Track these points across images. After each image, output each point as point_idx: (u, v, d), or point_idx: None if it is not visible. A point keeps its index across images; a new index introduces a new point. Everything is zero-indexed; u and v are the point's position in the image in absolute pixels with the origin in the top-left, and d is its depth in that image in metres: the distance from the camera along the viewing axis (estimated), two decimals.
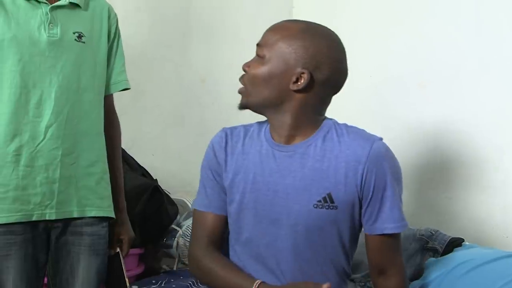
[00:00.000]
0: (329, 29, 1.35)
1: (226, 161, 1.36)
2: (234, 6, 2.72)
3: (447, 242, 1.79)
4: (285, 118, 1.28)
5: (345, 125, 1.33)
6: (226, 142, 1.37)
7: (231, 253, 1.37)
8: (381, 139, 1.29)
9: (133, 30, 1.83)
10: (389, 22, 2.35)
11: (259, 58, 1.29)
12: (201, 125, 2.57)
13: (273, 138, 1.32)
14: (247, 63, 1.32)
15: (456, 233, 1.87)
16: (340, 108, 2.49)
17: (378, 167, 1.24)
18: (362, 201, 1.26)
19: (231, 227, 1.36)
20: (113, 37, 1.70)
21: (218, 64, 2.61)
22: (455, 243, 1.77)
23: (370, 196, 1.25)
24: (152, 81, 2.43)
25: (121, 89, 1.73)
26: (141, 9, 2.41)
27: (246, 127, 1.39)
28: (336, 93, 1.35)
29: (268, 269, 1.30)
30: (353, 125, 1.34)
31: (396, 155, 1.28)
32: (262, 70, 1.27)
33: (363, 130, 1.32)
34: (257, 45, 1.32)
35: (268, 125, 1.35)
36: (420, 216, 2.10)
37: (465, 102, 2.09)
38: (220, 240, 1.38)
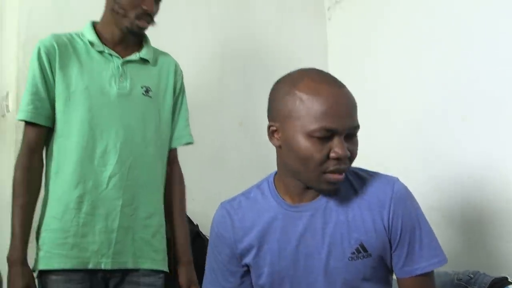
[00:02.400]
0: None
1: (237, 241, 1.27)
2: (269, 47, 2.75)
3: (488, 284, 1.67)
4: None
5: (357, 170, 1.27)
6: (232, 220, 1.29)
7: None
8: (398, 179, 1.25)
9: None
10: (429, 55, 2.31)
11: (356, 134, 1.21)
12: (241, 168, 2.56)
13: (284, 200, 1.25)
14: (346, 147, 1.16)
15: (502, 272, 1.76)
16: (379, 145, 2.46)
17: (403, 209, 1.20)
18: (391, 244, 1.22)
19: None
20: (179, 93, 1.77)
21: (255, 107, 2.61)
22: (498, 285, 1.65)
23: (398, 239, 1.20)
24: (191, 125, 2.45)
25: (184, 143, 1.76)
26: (177, 55, 2.44)
27: (246, 195, 1.32)
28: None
29: None
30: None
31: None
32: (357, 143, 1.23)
33: (377, 173, 1.27)
34: (355, 127, 1.18)
35: (270, 185, 1.28)
36: (462, 257, 2.01)
37: None
38: None
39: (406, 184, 1.25)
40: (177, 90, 1.77)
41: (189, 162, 2.44)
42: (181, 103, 1.79)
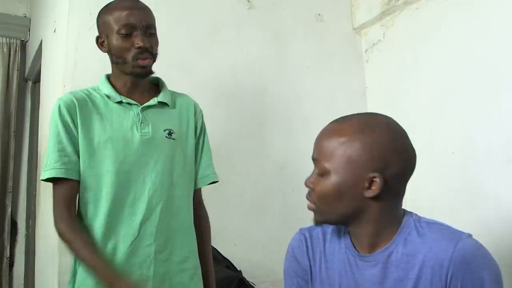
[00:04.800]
0: (384, 117, 1.23)
1: (310, 267, 1.29)
2: (308, 92, 2.77)
3: None
4: (366, 228, 1.19)
5: (427, 222, 1.20)
6: (307, 247, 1.30)
7: None
8: (469, 236, 1.13)
9: (211, 121, 1.89)
10: (469, 94, 2.27)
11: (322, 173, 1.17)
12: (283, 213, 2.54)
13: (354, 246, 1.23)
14: (309, 179, 1.21)
15: None
16: (422, 187, 2.41)
17: (466, 272, 1.08)
18: None
19: None
20: (200, 132, 1.76)
21: (295, 151, 2.62)
22: None
23: None
24: (232, 171, 2.46)
25: (209, 183, 1.76)
26: (218, 101, 2.49)
27: (324, 229, 1.31)
28: (409, 179, 1.22)
29: None
30: (437, 218, 1.21)
31: (487, 235, 1.15)
32: (329, 186, 1.16)
33: (448, 227, 1.17)
34: (313, 159, 1.21)
35: (345, 228, 1.27)
36: None
37: None
38: None
39: (454, 225, 1.18)
40: (198, 130, 1.76)
41: (231, 208, 2.46)
42: (203, 143, 1.77)
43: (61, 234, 1.51)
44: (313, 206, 1.20)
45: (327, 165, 1.16)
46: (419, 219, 1.21)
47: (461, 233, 1.14)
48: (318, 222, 1.23)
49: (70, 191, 1.55)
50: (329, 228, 1.31)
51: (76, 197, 1.57)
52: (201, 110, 1.79)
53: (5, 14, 3.58)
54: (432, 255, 1.12)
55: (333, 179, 1.15)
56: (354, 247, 1.23)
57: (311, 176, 1.21)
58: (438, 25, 2.46)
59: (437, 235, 1.14)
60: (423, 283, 1.12)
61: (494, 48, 2.16)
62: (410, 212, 1.24)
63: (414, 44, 2.60)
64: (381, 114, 1.24)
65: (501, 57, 2.14)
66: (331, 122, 1.22)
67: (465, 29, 2.31)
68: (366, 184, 1.14)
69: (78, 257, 1.49)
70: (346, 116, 1.23)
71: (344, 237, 1.26)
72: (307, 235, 1.32)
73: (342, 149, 1.15)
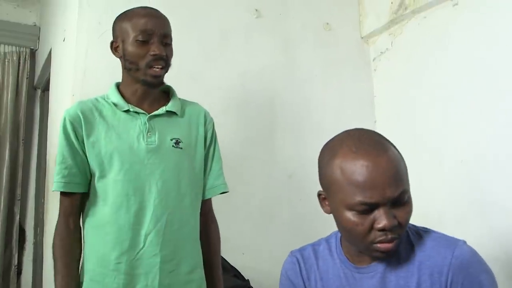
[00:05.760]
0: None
1: (307, 286, 1.29)
2: (316, 101, 2.77)
3: None
4: None
5: (422, 230, 1.21)
6: (300, 268, 1.30)
7: None
8: (464, 242, 1.15)
9: (220, 130, 1.88)
10: (477, 101, 2.26)
11: (405, 201, 1.11)
12: (291, 222, 2.54)
13: (348, 259, 1.23)
14: (390, 219, 1.08)
15: None
16: (431, 196, 2.40)
17: (465, 277, 1.10)
18: None
19: None
20: (210, 142, 1.74)
21: (303, 159, 2.61)
22: None
23: None
24: (241, 179, 2.46)
25: (219, 193, 1.74)
26: (227, 109, 2.49)
27: (314, 247, 1.32)
28: None
29: None
30: (436, 228, 1.21)
31: (496, 245, 1.16)
32: (411, 208, 1.13)
33: (443, 235, 1.19)
34: (389, 199, 1.08)
35: (337, 242, 1.27)
36: None
37: None
38: None
39: (463, 235, 1.19)
40: (208, 139, 1.74)
41: (239, 216, 2.45)
42: (214, 152, 1.76)
43: (53, 247, 1.55)
44: (396, 242, 1.12)
45: (408, 187, 1.12)
46: (413, 228, 1.22)
47: (456, 240, 1.16)
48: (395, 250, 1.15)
49: (70, 204, 1.57)
50: (320, 246, 1.31)
51: (77, 210, 1.59)
52: (212, 119, 1.78)
53: (15, 23, 3.61)
54: (430, 263, 1.13)
55: (410, 199, 1.13)
56: (349, 260, 1.23)
57: (386, 215, 1.08)
58: (446, 33, 2.45)
59: (433, 243, 1.16)
60: None
61: (503, 56, 2.15)
62: None
63: (422, 52, 2.59)
64: (360, 129, 1.21)
65: (510, 65, 2.13)
66: (378, 153, 1.11)
67: (473, 37, 2.30)
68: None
69: (54, 279, 1.52)
70: (359, 144, 1.14)
71: (337, 252, 1.26)
72: (299, 256, 1.32)
73: (405, 167, 1.13)
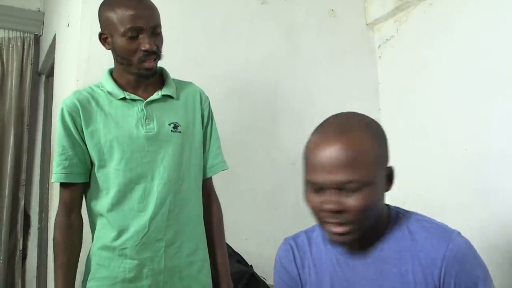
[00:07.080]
0: (352, 113, 1.22)
1: (299, 275, 1.29)
2: (321, 88, 2.76)
3: None
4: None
5: (417, 219, 1.20)
6: (294, 255, 1.31)
7: None
8: (459, 234, 1.15)
9: (224, 116, 1.87)
10: (482, 89, 2.26)
11: (355, 188, 1.08)
12: (294, 208, 2.54)
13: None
14: (332, 202, 1.10)
15: None
16: (435, 184, 2.40)
17: (457, 269, 1.10)
18: None
19: None
20: (207, 121, 1.74)
21: None
22: None
23: None
24: (245, 165, 2.46)
25: (219, 171, 1.75)
26: (231, 96, 2.49)
27: (308, 234, 1.32)
28: None
29: None
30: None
31: (501, 230, 1.16)
32: (368, 197, 1.09)
33: (437, 225, 1.18)
34: (334, 183, 1.09)
35: None
36: None
37: None
38: None
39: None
40: (205, 119, 1.73)
41: (242, 202, 2.46)
42: (211, 131, 1.75)
43: (53, 241, 1.55)
44: (347, 228, 1.12)
45: (361, 177, 1.08)
46: (407, 214, 1.22)
47: (451, 231, 1.16)
48: (353, 241, 1.16)
49: (71, 195, 1.58)
50: (313, 232, 1.32)
51: (78, 200, 1.60)
52: (207, 98, 1.77)
53: (19, 8, 3.60)
54: (424, 254, 1.13)
55: (373, 188, 1.10)
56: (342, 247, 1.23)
57: (330, 198, 1.10)
58: (451, 20, 2.44)
59: (427, 233, 1.16)
60: (417, 279, 1.13)
61: (509, 43, 2.14)
62: (395, 206, 1.25)
63: (427, 40, 2.58)
64: (345, 113, 1.23)
65: (509, 51, 2.12)
66: (329, 139, 1.12)
67: (479, 24, 2.29)
68: (387, 179, 1.15)
69: (54, 271, 1.53)
70: (328, 126, 1.19)
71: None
72: (293, 243, 1.32)
73: (367, 155, 1.09)
